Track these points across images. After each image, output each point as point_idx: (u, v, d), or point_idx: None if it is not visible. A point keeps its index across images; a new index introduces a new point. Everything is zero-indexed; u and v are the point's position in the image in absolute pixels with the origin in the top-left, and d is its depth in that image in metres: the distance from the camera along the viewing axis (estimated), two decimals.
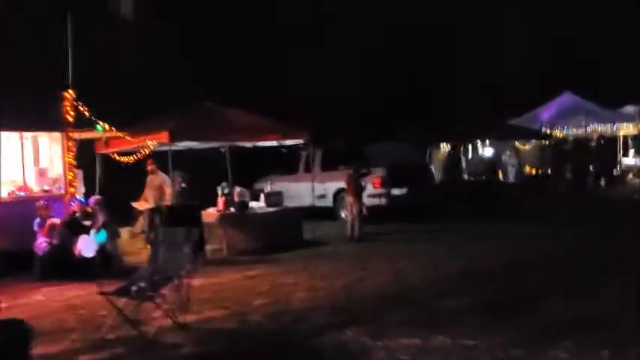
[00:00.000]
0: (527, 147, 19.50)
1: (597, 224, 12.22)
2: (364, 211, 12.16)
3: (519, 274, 7.88)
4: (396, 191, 13.96)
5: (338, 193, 14.77)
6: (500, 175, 18.09)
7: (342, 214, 14.73)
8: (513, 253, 9.51)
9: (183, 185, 13.71)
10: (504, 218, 13.96)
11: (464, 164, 17.95)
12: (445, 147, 18.51)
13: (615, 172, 20.62)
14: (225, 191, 14.65)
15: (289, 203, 15.70)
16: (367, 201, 14.08)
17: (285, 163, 16.34)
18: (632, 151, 22.43)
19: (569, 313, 5.89)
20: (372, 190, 13.98)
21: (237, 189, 12.04)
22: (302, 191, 15.75)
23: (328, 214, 14.87)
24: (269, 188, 17.14)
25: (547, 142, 17.94)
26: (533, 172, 18.70)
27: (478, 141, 17.38)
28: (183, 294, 6.03)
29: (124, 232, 12.04)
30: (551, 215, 14.24)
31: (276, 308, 6.62)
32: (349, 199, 12.13)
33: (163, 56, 16.98)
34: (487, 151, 17.30)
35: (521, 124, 20.49)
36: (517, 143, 18.22)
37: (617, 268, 7.67)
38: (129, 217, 12.23)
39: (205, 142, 12.79)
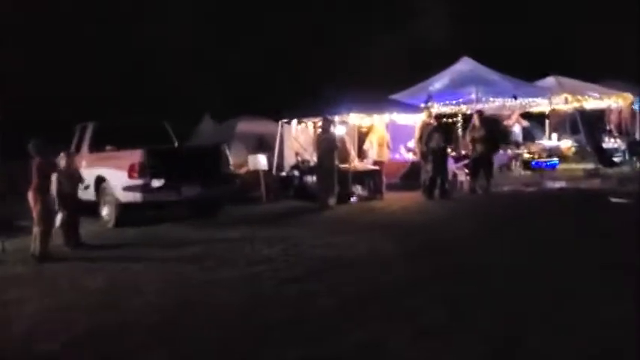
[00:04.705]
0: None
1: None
2: (60, 216, 8.41)
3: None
4: (156, 183, 10.17)
5: (100, 183, 10.97)
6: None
7: (103, 212, 11.04)
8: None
9: None
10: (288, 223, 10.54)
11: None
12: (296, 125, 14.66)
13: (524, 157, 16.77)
14: None
15: None
16: (122, 196, 10.37)
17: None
18: (554, 134, 18.50)
19: None
20: (127, 181, 10.22)
21: None
22: None
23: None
24: None
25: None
26: (410, 156, 14.71)
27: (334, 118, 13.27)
28: None
29: None
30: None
31: None
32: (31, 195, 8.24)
33: None
34: (339, 130, 13.23)
35: (410, 96, 16.53)
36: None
37: None
38: None
39: None
